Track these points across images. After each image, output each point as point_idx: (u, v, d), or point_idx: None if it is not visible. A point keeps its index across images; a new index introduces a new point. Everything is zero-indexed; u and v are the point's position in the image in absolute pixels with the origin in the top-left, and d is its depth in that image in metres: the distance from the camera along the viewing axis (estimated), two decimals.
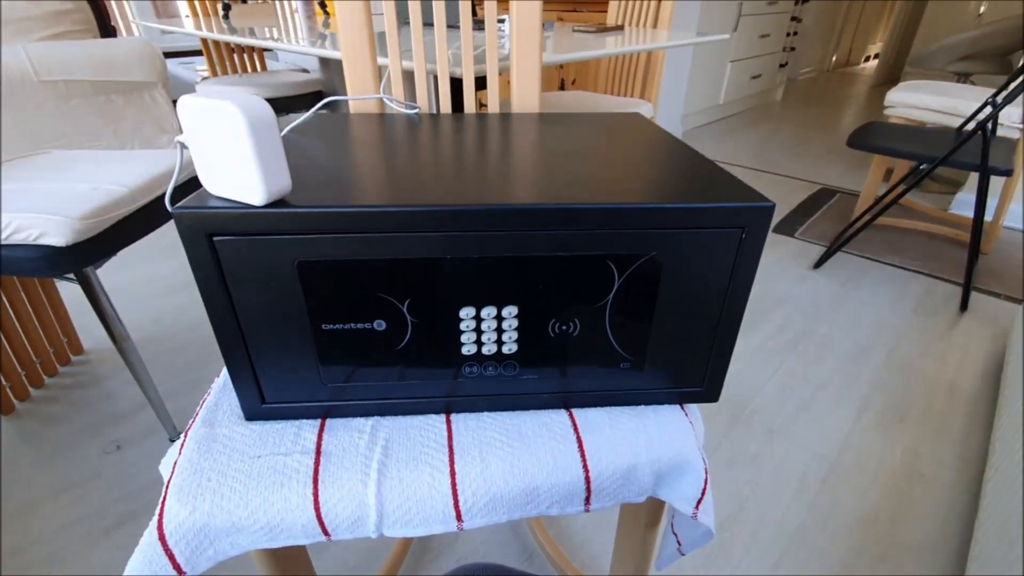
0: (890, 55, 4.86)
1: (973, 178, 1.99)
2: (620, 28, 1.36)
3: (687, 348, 0.42)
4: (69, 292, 1.34)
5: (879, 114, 3.74)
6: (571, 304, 0.39)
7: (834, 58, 5.48)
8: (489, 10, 0.63)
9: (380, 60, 0.73)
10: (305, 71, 2.25)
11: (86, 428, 1.07)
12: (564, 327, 0.40)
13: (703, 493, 0.41)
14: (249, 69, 2.10)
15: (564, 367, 0.42)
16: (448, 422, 0.43)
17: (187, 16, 2.01)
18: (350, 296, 0.37)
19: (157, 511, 0.37)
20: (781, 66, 4.02)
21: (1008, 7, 4.06)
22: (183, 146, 0.35)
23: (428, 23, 1.46)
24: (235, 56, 2.05)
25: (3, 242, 0.77)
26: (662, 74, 1.54)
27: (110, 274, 1.62)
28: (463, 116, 0.60)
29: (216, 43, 1.99)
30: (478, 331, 0.40)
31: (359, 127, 0.55)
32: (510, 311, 0.39)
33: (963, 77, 2.24)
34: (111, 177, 0.93)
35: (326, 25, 1.67)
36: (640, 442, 0.41)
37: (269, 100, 1.77)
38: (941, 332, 1.42)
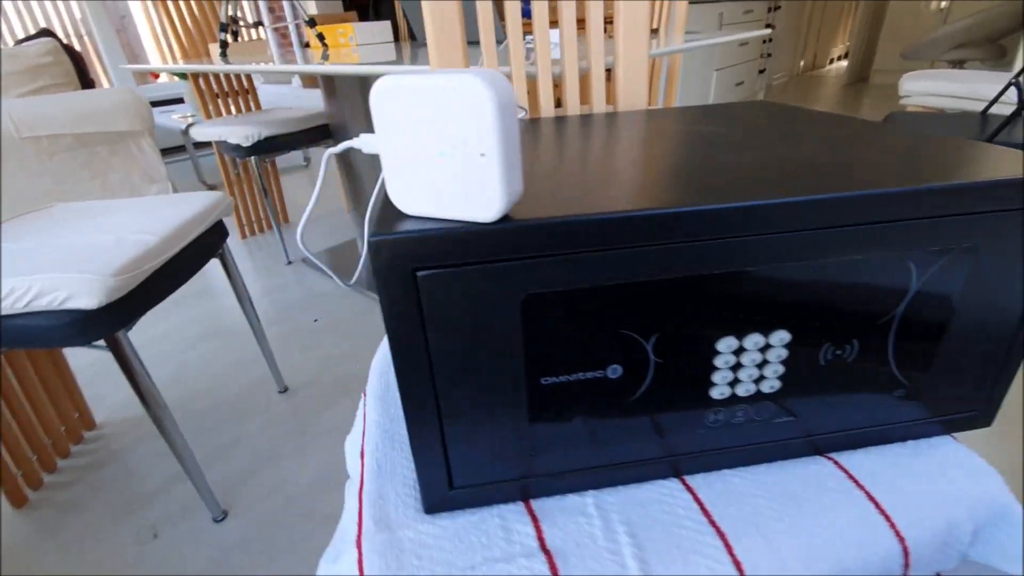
0: (858, 56, 5.00)
1: None
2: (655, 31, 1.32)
3: (974, 362, 0.34)
4: (78, 360, 1.21)
5: (857, 109, 3.80)
6: (852, 321, 0.30)
7: (802, 63, 5.63)
8: (596, 9, 0.56)
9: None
10: (290, 109, 2.16)
11: (112, 513, 0.93)
12: (839, 352, 0.31)
13: None
14: (243, 109, 2.01)
15: (827, 403, 0.33)
16: (688, 488, 0.33)
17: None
18: (585, 336, 0.28)
19: None
20: (760, 72, 4.09)
21: (973, 5, 4.22)
22: (363, 150, 0.26)
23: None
24: (228, 99, 1.96)
25: (24, 310, 0.65)
26: (659, 83, 1.50)
27: None
28: (594, 116, 0.52)
29: (208, 83, 1.90)
30: (737, 367, 0.30)
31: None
32: (780, 338, 0.30)
33: (957, 64, 2.27)
34: (133, 226, 0.83)
35: (325, 57, 1.60)
36: (951, 489, 0.32)
37: (271, 138, 1.68)
38: None
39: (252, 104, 2.04)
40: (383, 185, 0.28)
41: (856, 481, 0.33)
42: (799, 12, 4.97)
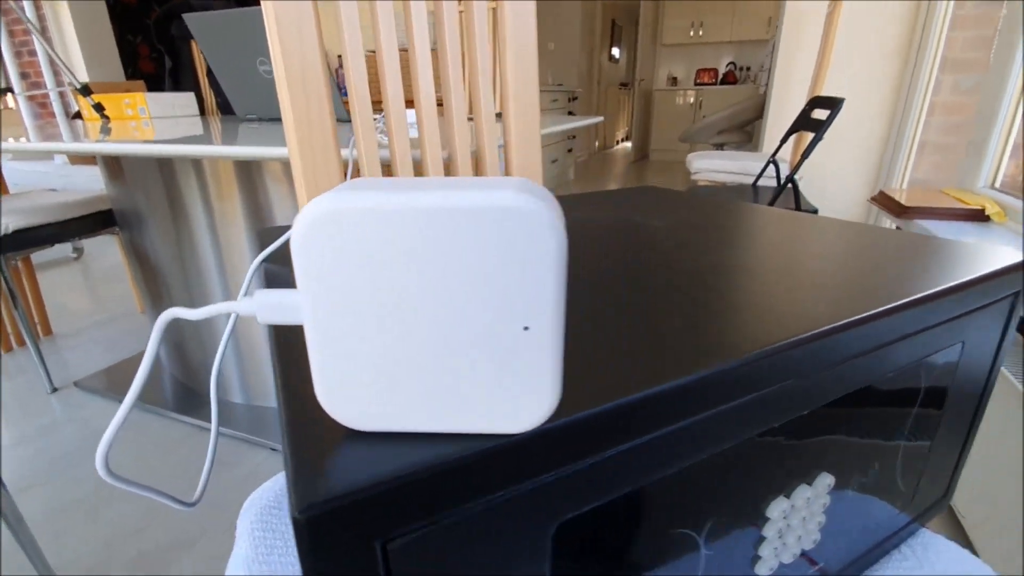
0: (638, 139, 6.00)
1: None
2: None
3: (949, 453, 0.33)
4: None
5: (645, 181, 4.50)
6: (876, 443, 0.27)
7: (597, 143, 6.56)
8: (485, 83, 0.50)
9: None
10: (53, 191, 1.73)
11: None
12: (863, 479, 0.27)
13: None
14: None
15: (847, 536, 0.29)
16: None
17: None
18: (630, 554, 0.19)
19: None
20: (569, 151, 4.61)
21: (714, 99, 5.39)
22: (259, 320, 0.14)
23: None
24: None
25: None
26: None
27: None
28: None
29: None
30: (786, 529, 0.24)
31: None
32: (825, 483, 0.24)
33: (719, 146, 2.82)
34: None
35: (106, 131, 1.31)
36: None
37: (26, 230, 1.30)
38: None
39: None
40: (290, 379, 0.16)
41: None
42: (589, 102, 5.82)
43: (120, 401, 1.32)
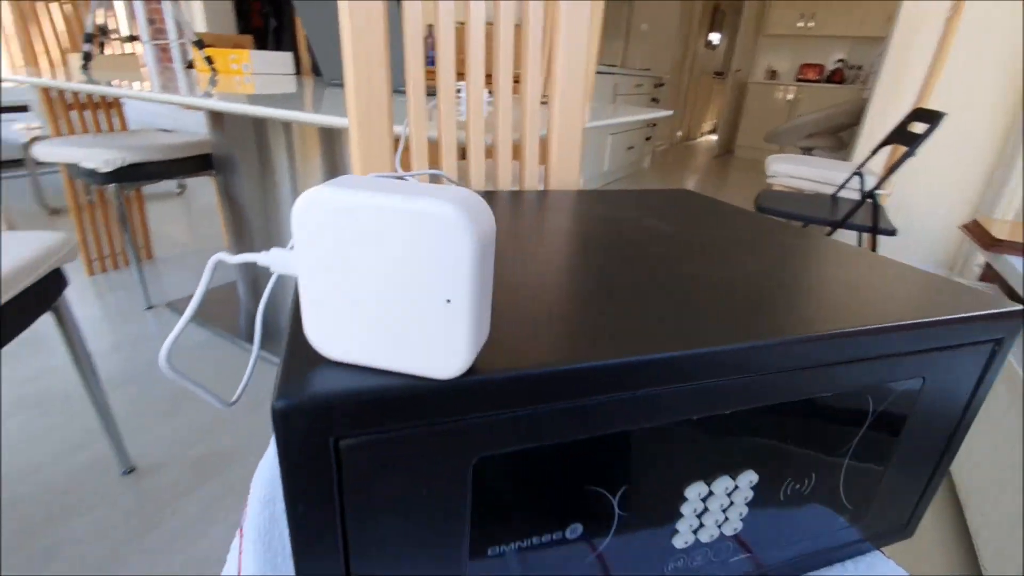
0: (725, 132, 5.72)
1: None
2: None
3: (908, 484, 0.34)
4: None
5: (726, 177, 4.31)
6: (815, 455, 0.29)
7: (679, 133, 6.32)
8: (533, 58, 0.54)
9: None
10: (167, 131, 1.93)
11: None
12: (798, 486, 0.30)
13: None
14: (104, 127, 1.75)
15: (781, 535, 0.31)
16: None
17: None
18: (545, 497, 0.23)
19: None
20: (647, 139, 4.49)
21: (815, 98, 5.04)
22: (272, 270, 0.19)
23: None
24: (84, 112, 1.69)
25: None
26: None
27: None
28: (526, 198, 0.49)
29: (61, 92, 1.63)
30: (704, 512, 0.27)
31: None
32: (748, 480, 0.27)
33: (807, 151, 2.66)
34: None
35: (213, 83, 1.45)
36: None
37: (137, 165, 1.47)
38: None
39: (117, 121, 1.79)
40: (297, 316, 0.21)
41: None
42: (677, 89, 5.60)
43: (203, 324, 1.49)
